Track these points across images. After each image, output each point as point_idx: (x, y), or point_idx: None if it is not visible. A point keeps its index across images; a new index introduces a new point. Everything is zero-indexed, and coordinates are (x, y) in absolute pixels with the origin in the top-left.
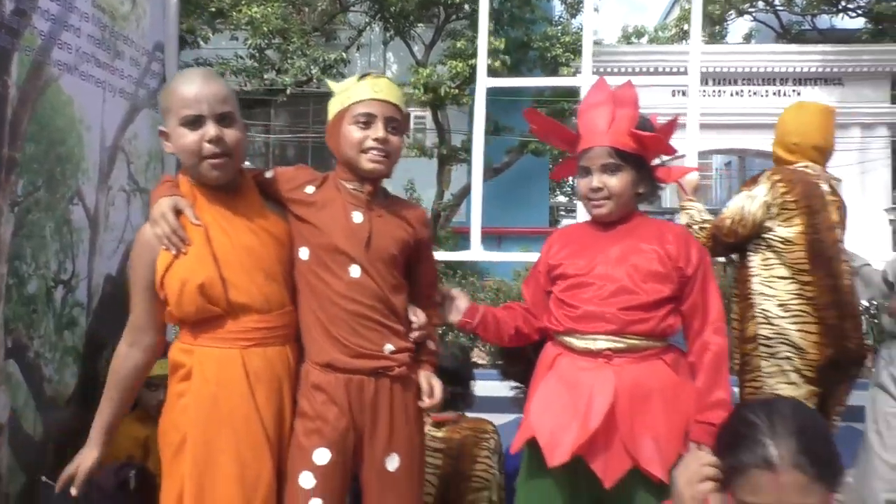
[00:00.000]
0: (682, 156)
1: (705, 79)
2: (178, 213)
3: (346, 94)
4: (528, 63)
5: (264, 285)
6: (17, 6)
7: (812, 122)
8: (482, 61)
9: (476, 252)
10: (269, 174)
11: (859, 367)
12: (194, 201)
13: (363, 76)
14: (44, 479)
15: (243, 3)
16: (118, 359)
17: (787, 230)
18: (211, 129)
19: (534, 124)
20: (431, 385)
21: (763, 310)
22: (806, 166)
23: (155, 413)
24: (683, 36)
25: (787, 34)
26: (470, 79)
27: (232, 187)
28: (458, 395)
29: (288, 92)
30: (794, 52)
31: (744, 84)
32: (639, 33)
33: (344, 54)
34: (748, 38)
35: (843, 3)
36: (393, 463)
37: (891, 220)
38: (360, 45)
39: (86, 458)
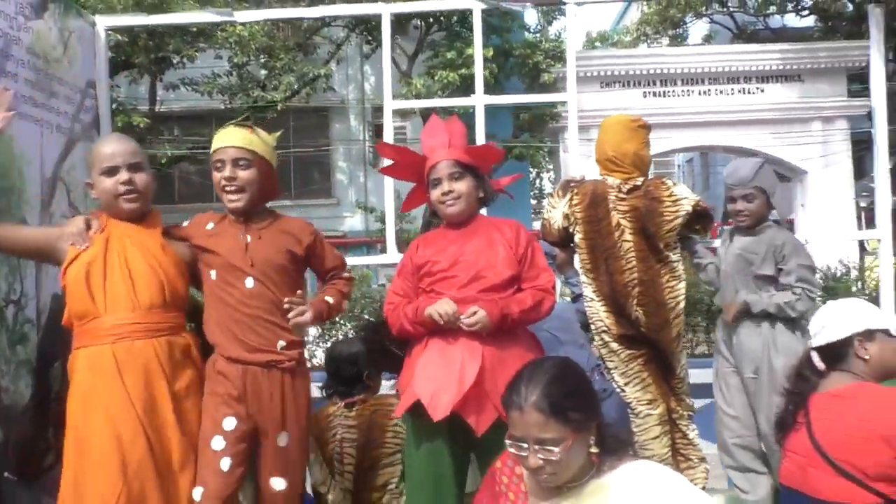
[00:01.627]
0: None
1: (674, 79)
2: (87, 225)
3: (212, 149)
4: (506, 71)
5: (135, 290)
6: None
7: (603, 137)
8: (387, 84)
9: (392, 256)
10: (185, 224)
11: (659, 346)
12: (106, 226)
13: (221, 129)
14: (6, 474)
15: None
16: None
17: (577, 236)
18: (123, 175)
19: (384, 154)
20: (303, 311)
21: (586, 295)
22: (605, 178)
23: None
24: (645, 39)
25: (742, 34)
26: (459, 88)
27: (139, 220)
28: (364, 384)
29: (279, 108)
30: (756, 51)
31: (710, 83)
32: (602, 38)
33: (334, 67)
34: (707, 39)
35: (794, 3)
36: (283, 439)
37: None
38: (340, 59)
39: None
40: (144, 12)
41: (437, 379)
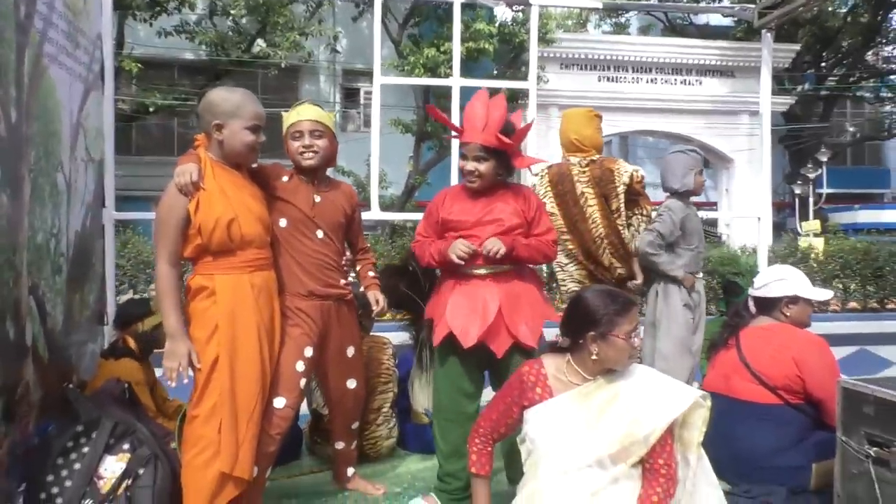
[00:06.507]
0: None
1: (626, 66)
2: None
3: (287, 121)
4: (496, 47)
5: (259, 228)
6: (26, 10)
7: (565, 124)
8: (377, 62)
9: (375, 213)
10: (254, 165)
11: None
12: (212, 171)
13: (296, 105)
14: (69, 385)
15: None
16: (167, 276)
17: (550, 205)
18: (262, 136)
19: (433, 117)
20: (377, 299)
21: (558, 261)
22: (567, 158)
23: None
24: (583, 25)
25: (672, 28)
26: (466, 60)
27: (237, 167)
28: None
29: (282, 65)
30: (699, 45)
31: (657, 73)
32: (548, 17)
33: (340, 30)
34: (645, 30)
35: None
36: (350, 351)
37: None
38: (320, 20)
39: (183, 350)
40: None
41: (464, 315)
